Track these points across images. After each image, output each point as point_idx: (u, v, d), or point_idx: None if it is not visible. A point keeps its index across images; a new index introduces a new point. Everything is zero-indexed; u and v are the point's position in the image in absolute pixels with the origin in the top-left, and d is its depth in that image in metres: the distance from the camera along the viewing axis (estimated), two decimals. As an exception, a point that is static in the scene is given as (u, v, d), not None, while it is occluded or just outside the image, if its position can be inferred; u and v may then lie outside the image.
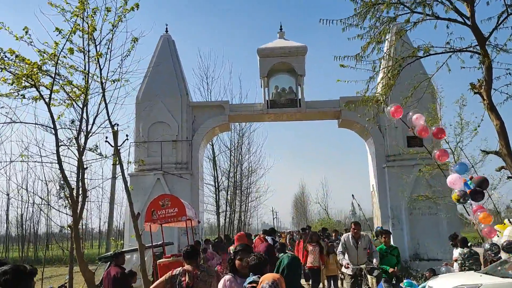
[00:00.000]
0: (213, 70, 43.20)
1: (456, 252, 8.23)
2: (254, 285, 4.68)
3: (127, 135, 14.60)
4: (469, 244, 8.25)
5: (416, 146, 15.81)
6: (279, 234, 20.88)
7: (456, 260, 8.19)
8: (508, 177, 9.13)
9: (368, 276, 7.69)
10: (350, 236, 8.28)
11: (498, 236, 7.80)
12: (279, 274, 5.53)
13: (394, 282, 7.69)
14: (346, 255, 8.15)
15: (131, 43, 8.88)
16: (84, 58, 8.72)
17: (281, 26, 18.14)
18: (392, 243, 9.75)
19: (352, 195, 14.76)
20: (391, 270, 7.90)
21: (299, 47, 17.10)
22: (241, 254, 4.28)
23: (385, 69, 11.03)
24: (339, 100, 16.90)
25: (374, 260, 7.87)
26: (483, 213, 7.14)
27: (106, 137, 9.50)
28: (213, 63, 60.35)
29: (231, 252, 12.29)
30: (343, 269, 8.20)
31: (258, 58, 17.24)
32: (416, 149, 15.80)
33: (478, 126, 9.87)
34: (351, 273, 7.95)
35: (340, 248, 8.32)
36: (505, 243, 6.80)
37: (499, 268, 6.40)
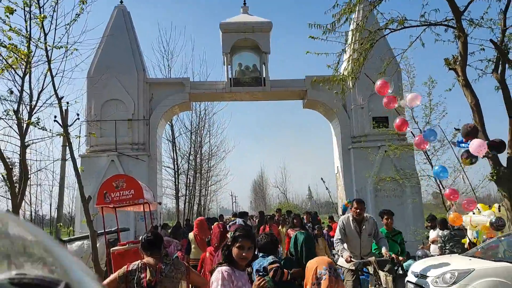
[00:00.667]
0: (174, 46, 40.90)
1: (434, 234, 7.83)
2: (277, 265, 4.11)
3: (78, 114, 13.49)
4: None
5: (383, 127, 15.54)
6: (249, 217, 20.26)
7: (433, 242, 7.80)
8: (484, 156, 8.82)
9: (381, 273, 5.79)
10: (350, 218, 6.39)
11: (473, 213, 7.45)
12: (324, 256, 5.40)
13: (399, 271, 6.21)
14: (346, 245, 6.26)
15: (79, 4, 7.80)
16: (26, 20, 7.58)
17: (244, 0, 17.20)
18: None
19: (321, 179, 14.31)
20: (394, 256, 6.07)
21: (263, 22, 16.29)
22: (241, 241, 3.11)
23: (357, 42, 10.46)
24: (305, 79, 16.30)
25: (384, 249, 6.13)
26: (466, 198, 6.75)
27: (55, 116, 8.38)
28: (174, 39, 56.01)
29: (191, 238, 11.46)
30: (341, 263, 6.18)
31: (220, 34, 16.29)
32: (382, 129, 15.53)
33: (449, 90, 9.51)
34: (353, 268, 5.96)
35: (338, 235, 6.33)
36: (494, 219, 6.44)
37: (489, 252, 6.00)
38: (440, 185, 13.13)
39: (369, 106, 15.79)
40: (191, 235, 11.39)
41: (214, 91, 16.18)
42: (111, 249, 7.41)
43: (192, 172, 23.48)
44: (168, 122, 20.88)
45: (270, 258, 4.01)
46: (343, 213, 15.42)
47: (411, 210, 15.12)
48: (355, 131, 15.88)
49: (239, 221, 12.46)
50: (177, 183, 20.52)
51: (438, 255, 7.18)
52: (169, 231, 15.13)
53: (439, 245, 7.12)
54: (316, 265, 3.88)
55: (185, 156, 22.28)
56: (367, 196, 15.32)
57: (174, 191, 20.71)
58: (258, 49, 16.54)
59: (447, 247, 6.89)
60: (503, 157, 9.08)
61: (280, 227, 12.32)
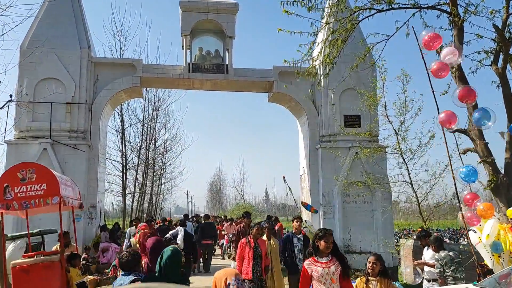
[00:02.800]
0: (129, 27, 38.15)
1: (428, 254, 6.42)
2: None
3: (10, 96, 11.33)
4: (444, 239, 6.45)
5: (354, 126, 14.23)
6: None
7: (426, 264, 6.39)
8: (481, 161, 7.55)
9: None
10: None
11: (475, 232, 6.11)
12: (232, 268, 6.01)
13: None
14: None
15: None
16: None
17: (209, -22, 15.41)
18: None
19: (283, 177, 12.82)
20: None
21: (229, 3, 14.59)
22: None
23: (337, 22, 8.98)
24: (272, 69, 14.75)
25: None
26: (484, 203, 5.40)
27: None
28: (129, 19, 50.35)
29: (133, 243, 9.57)
30: None
31: (180, 12, 14.46)
32: (354, 129, 14.24)
33: (445, 93, 8.12)
34: None
35: None
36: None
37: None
38: (415, 193, 12.01)
39: (340, 103, 14.44)
40: (133, 240, 9.58)
41: (170, 76, 14.29)
42: (12, 262, 5.49)
43: (143, 168, 21.42)
44: (117, 110, 18.73)
45: (132, 276, 4.06)
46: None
47: (381, 217, 13.90)
48: (324, 129, 14.49)
49: (180, 231, 10.59)
50: (124, 179, 18.43)
51: (438, 283, 5.76)
52: (107, 234, 13.15)
53: (437, 270, 5.71)
54: (225, 276, 4.71)
55: (136, 150, 20.22)
56: (334, 200, 13.96)
57: (122, 188, 18.61)
58: (221, 33, 14.83)
59: (448, 273, 5.49)
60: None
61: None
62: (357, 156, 13.88)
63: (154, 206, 25.12)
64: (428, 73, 6.96)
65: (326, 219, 13.92)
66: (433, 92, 7.01)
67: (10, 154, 12.64)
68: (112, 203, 29.27)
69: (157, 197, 27.29)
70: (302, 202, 14.23)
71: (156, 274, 4.41)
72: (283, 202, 77.03)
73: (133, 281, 4.04)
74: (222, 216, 25.08)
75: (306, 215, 14.68)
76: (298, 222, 8.21)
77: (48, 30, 13.36)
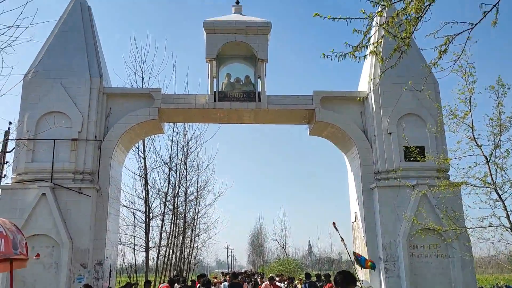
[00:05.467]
0: (152, 61, 37.06)
1: None
2: None
3: (10, 123, 9.73)
4: None
5: (416, 160, 11.43)
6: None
7: None
8: None
9: None
10: None
11: None
12: None
13: None
14: None
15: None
16: None
17: (237, -1, 13.66)
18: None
19: (334, 224, 10.10)
20: None
21: (260, 22, 12.64)
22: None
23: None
24: (313, 95, 12.44)
25: None
26: None
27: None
28: (152, 53, 48.90)
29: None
30: None
31: (204, 35, 12.61)
32: (417, 164, 11.48)
33: None
34: None
35: None
36: None
37: None
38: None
39: (398, 131, 11.78)
40: None
41: (193, 106, 12.21)
42: None
43: (171, 216, 19.10)
44: (139, 152, 16.76)
45: None
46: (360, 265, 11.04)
47: (462, 274, 10.73)
48: (380, 164, 11.78)
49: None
50: (148, 230, 16.11)
51: None
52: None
53: None
54: None
55: (161, 195, 17.93)
56: (399, 254, 10.97)
57: (145, 240, 16.27)
58: (252, 57, 12.83)
59: None
60: None
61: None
62: (423, 193, 10.97)
63: (184, 260, 22.50)
64: None
65: (389, 278, 10.89)
66: None
67: (4, 201, 10.70)
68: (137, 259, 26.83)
69: (190, 250, 24.74)
70: (354, 252, 11.36)
71: None
72: (327, 256, 72.21)
73: None
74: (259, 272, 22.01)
75: (362, 274, 11.68)
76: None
77: (55, 61, 11.79)
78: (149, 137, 17.25)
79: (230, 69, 13.31)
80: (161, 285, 7.73)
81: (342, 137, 12.68)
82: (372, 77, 12.25)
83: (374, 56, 6.67)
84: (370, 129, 12.19)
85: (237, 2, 13.62)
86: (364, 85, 12.93)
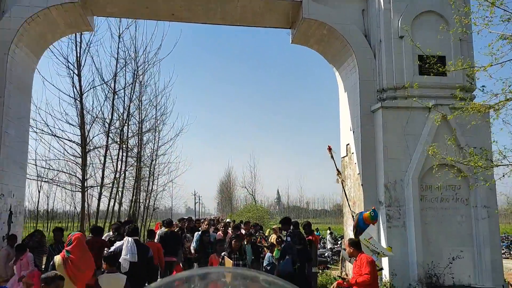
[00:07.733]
0: None
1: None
2: None
3: None
4: None
5: (437, 73, 8.41)
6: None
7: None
8: None
9: None
10: None
11: None
12: None
13: None
14: None
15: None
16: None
17: None
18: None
19: (329, 148, 7.21)
20: None
21: None
22: None
23: None
24: (300, -18, 9.07)
25: None
26: None
27: None
28: None
29: (58, 262, 4.63)
30: None
31: None
32: (435, 80, 8.54)
33: None
34: None
35: None
36: None
37: None
38: None
39: (414, 35, 8.67)
40: (58, 258, 5.31)
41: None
42: None
43: (119, 152, 15.77)
44: (72, 67, 12.96)
45: None
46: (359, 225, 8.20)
47: (487, 227, 8.13)
48: (386, 79, 8.76)
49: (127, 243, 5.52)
50: (85, 166, 12.78)
51: None
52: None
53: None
54: None
55: (103, 124, 14.38)
56: (407, 197, 8.21)
57: (81, 178, 12.99)
58: None
59: None
60: None
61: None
62: (443, 117, 8.07)
63: (138, 206, 19.47)
64: None
65: (392, 228, 8.18)
66: None
67: None
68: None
69: (147, 195, 21.63)
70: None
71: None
72: (294, 205, 71.26)
73: None
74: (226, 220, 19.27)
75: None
76: None
77: None
78: (85, 50, 13.49)
79: None
80: (73, 233, 4.98)
81: (335, 43, 9.50)
82: None
83: None
84: (375, 32, 9.05)
85: None
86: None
